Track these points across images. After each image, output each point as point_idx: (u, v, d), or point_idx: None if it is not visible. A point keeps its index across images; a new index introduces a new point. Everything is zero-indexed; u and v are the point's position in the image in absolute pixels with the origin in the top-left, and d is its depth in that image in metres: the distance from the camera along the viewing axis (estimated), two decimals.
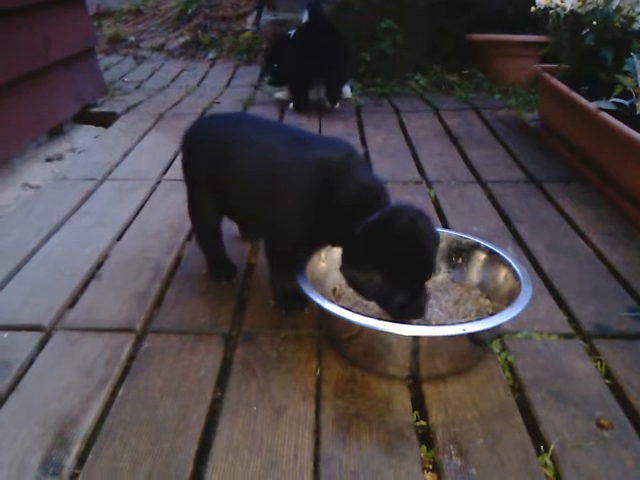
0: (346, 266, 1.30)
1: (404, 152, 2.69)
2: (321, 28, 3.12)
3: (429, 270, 1.29)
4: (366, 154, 2.65)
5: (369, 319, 1.21)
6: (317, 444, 1.13)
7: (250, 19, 5.26)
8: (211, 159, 1.51)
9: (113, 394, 1.26)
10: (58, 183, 2.37)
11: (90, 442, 1.14)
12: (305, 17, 3.11)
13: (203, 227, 1.67)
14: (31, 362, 1.35)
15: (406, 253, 1.24)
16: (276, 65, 3.32)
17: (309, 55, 3.11)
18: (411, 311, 1.28)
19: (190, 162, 1.61)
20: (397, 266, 1.24)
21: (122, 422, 1.18)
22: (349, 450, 1.11)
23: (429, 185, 2.31)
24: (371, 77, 3.84)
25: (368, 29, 3.76)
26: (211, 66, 4.75)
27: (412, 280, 1.27)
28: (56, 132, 3.01)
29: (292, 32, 3.27)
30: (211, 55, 5.04)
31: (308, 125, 3.06)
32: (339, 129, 3.00)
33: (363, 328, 1.23)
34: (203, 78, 4.31)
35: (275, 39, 3.57)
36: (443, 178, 2.37)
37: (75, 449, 1.12)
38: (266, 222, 1.44)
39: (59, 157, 2.74)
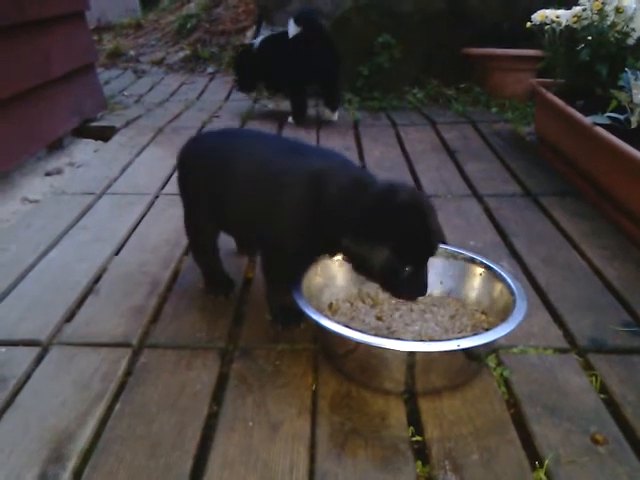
0: (352, 242, 1.27)
1: (401, 166, 2.71)
2: (319, 37, 3.17)
3: (436, 244, 1.29)
4: (364, 168, 2.66)
5: (365, 335, 1.21)
6: (312, 460, 1.13)
7: (249, 33, 5.29)
8: (207, 174, 1.53)
9: (109, 409, 1.26)
10: (57, 197, 2.38)
11: (86, 457, 1.14)
12: (292, 27, 3.12)
13: (199, 242, 1.67)
14: (28, 377, 1.35)
15: (414, 226, 1.25)
16: (239, 74, 3.57)
17: (310, 65, 3.17)
18: (414, 288, 1.28)
19: (186, 178, 1.62)
20: (406, 240, 1.24)
21: (118, 437, 1.18)
22: (345, 466, 1.11)
23: None
24: (369, 91, 3.87)
25: (366, 43, 3.80)
26: (210, 80, 4.78)
27: (420, 254, 1.27)
28: (55, 146, 3.03)
29: (256, 42, 3.40)
30: (210, 69, 5.07)
31: (307, 139, 3.07)
32: (337, 142, 3.01)
33: (359, 343, 1.23)
34: (202, 92, 4.34)
35: (240, 49, 3.75)
36: (440, 192, 2.38)
37: (71, 464, 1.12)
38: (263, 234, 1.45)
39: (58, 171, 2.75)
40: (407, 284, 1.27)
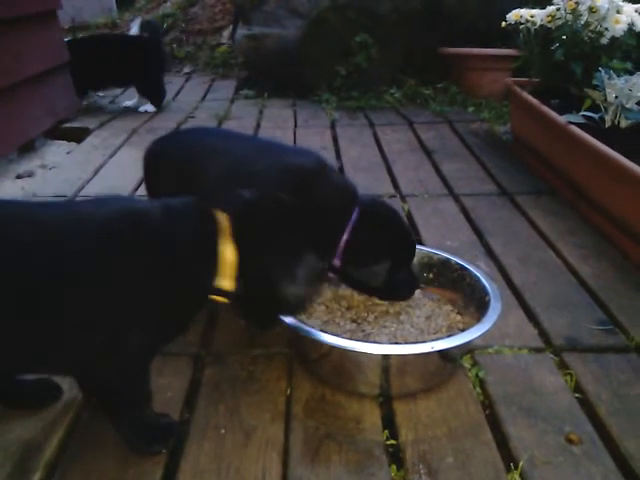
0: (353, 269, 1.35)
1: (379, 166, 2.70)
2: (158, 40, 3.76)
3: (415, 242, 1.45)
4: (341, 168, 2.65)
5: (339, 338, 1.20)
6: (285, 465, 1.11)
7: (226, 33, 5.26)
8: (174, 173, 1.49)
9: (77, 418, 1.23)
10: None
11: (53, 468, 1.11)
12: (135, 30, 3.64)
13: None
14: None
15: (401, 235, 1.40)
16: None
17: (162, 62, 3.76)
18: (409, 285, 1.42)
19: (152, 178, 1.59)
20: (398, 249, 1.38)
21: (87, 447, 1.15)
22: (318, 471, 1.09)
23: (403, 199, 2.31)
24: (346, 91, 3.86)
25: (343, 43, 3.79)
26: (186, 80, 4.74)
27: (408, 256, 1.42)
28: (27, 148, 2.96)
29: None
30: (187, 69, 5.03)
31: (283, 139, 3.05)
32: (314, 142, 2.99)
33: (333, 347, 1.21)
34: (178, 92, 4.29)
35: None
36: (417, 192, 2.38)
37: (37, 477, 1.08)
38: None
39: (29, 174, 2.69)
40: (401, 285, 1.40)
